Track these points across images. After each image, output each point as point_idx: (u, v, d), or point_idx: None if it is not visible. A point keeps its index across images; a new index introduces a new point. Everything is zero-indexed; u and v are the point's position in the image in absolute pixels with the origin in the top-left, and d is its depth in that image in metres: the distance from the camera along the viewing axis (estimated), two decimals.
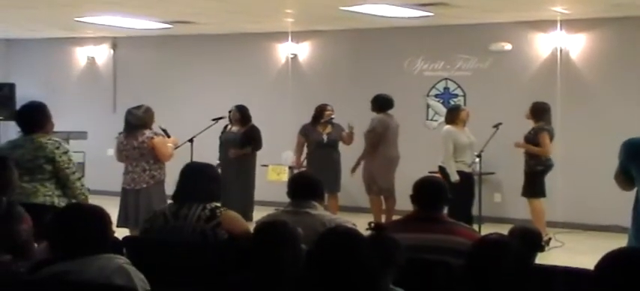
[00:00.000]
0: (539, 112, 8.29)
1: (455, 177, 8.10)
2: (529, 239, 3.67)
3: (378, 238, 3.03)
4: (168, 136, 7.13)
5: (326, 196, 7.74)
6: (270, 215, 4.27)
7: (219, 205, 4.16)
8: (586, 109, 9.60)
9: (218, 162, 8.85)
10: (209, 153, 8.93)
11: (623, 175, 4.23)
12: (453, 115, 8.53)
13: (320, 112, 9.03)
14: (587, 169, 9.52)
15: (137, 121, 6.87)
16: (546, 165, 8.33)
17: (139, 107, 7.01)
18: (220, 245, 3.96)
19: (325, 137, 8.94)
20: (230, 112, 9.07)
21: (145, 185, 6.82)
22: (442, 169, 8.23)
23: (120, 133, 7.04)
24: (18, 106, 5.72)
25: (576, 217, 9.51)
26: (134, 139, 6.84)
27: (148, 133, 6.86)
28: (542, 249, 3.77)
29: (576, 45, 9.71)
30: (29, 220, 3.73)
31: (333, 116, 9.05)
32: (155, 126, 7.10)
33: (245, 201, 8.66)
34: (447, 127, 8.45)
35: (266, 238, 3.07)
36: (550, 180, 8.56)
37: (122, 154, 6.96)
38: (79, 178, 4.87)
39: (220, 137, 9.11)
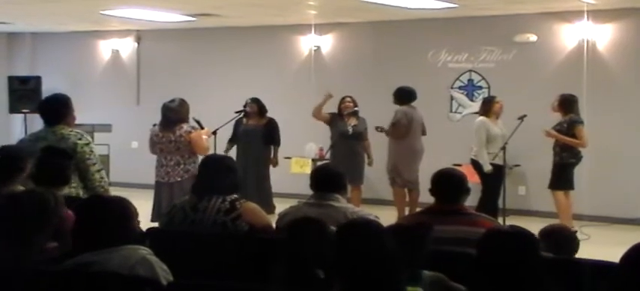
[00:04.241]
0: (568, 104, 8.22)
1: (488, 167, 8.10)
2: (562, 242, 3.64)
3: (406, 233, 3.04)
4: (202, 128, 7.12)
5: (349, 188, 7.78)
6: (293, 207, 4.27)
7: (238, 196, 4.16)
8: (613, 102, 9.48)
9: (227, 146, 8.86)
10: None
11: None
12: (487, 107, 8.50)
13: (339, 106, 9.01)
14: (614, 161, 9.41)
15: (176, 115, 6.85)
16: (578, 157, 8.26)
17: (173, 101, 6.98)
18: (242, 236, 3.97)
19: (350, 129, 8.90)
20: (245, 105, 9.03)
21: (178, 179, 6.79)
22: (475, 162, 8.21)
23: (154, 125, 7.02)
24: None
25: (603, 210, 9.40)
26: (171, 133, 6.82)
27: (185, 127, 6.85)
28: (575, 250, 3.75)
29: (603, 36, 9.58)
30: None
31: (356, 108, 9.01)
32: (190, 118, 7.10)
33: (263, 193, 8.66)
34: (480, 117, 8.42)
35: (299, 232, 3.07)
36: (577, 173, 8.48)
37: (156, 146, 6.93)
38: (99, 170, 4.87)
39: (237, 130, 9.08)
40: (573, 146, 8.15)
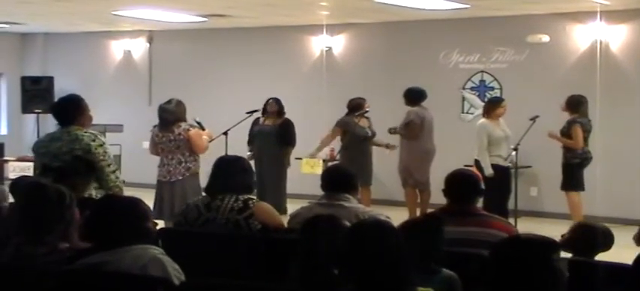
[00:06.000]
0: (574, 104, 8.21)
1: (489, 171, 8.04)
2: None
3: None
4: (203, 129, 7.16)
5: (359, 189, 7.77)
6: (304, 207, 4.27)
7: (252, 196, 4.17)
8: (626, 103, 9.42)
9: (248, 154, 8.86)
10: (243, 146, 8.98)
11: None
12: (489, 109, 8.46)
13: (359, 106, 8.98)
14: (628, 162, 9.36)
15: (173, 116, 6.89)
16: (582, 158, 8.22)
17: (169, 102, 7.02)
18: (254, 235, 3.97)
19: (369, 131, 8.91)
20: (267, 103, 9.07)
21: (180, 177, 6.84)
22: (478, 163, 8.19)
23: (154, 126, 7.08)
24: (56, 99, 5.79)
25: (616, 211, 9.34)
26: (170, 132, 6.87)
27: (184, 125, 6.90)
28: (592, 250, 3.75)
29: (616, 37, 9.53)
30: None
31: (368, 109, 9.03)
32: (189, 118, 7.13)
33: (278, 194, 8.67)
34: (482, 120, 8.38)
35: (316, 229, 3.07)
36: (590, 173, 8.44)
37: (157, 147, 6.98)
38: (114, 171, 4.92)
39: (253, 129, 9.11)
40: (571, 147, 8.13)
